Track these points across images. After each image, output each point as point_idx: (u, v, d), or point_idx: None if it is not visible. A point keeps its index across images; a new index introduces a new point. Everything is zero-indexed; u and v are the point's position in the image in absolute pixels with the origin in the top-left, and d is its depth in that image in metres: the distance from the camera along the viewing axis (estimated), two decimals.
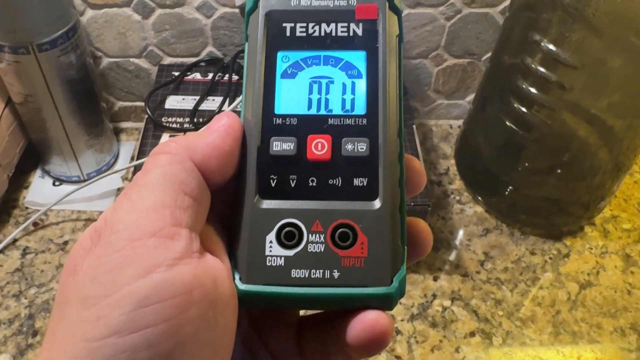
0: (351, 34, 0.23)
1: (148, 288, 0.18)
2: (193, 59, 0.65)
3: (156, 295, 0.18)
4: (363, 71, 0.23)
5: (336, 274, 0.21)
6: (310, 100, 0.23)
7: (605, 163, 0.57)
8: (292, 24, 0.23)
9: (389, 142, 0.22)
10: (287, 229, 0.22)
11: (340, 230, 0.22)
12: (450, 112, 0.75)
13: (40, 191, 0.63)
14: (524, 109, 0.55)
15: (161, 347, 0.17)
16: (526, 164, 0.60)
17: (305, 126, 0.23)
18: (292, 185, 0.22)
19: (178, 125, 0.57)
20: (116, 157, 0.67)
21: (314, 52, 0.23)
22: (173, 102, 0.60)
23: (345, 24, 0.23)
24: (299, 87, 0.23)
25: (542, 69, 0.52)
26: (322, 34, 0.23)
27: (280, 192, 0.22)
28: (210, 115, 0.58)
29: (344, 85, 0.23)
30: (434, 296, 0.57)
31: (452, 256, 0.60)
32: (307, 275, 0.21)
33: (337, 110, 0.23)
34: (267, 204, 0.22)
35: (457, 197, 0.66)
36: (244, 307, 0.22)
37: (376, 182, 0.22)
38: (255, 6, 0.24)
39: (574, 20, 0.47)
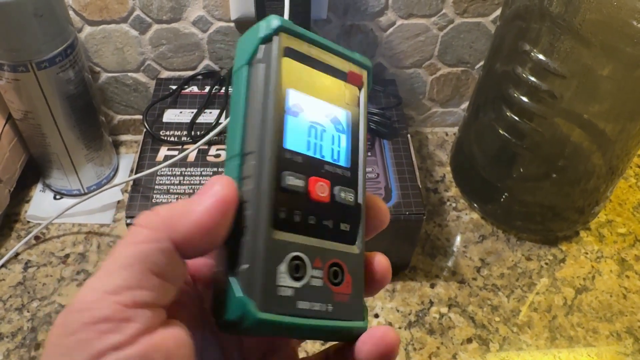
0: (341, 92, 0.25)
1: None
2: (190, 73, 0.66)
3: None
4: (347, 129, 0.25)
5: (330, 308, 0.23)
6: (308, 142, 0.24)
7: (599, 167, 0.58)
8: (303, 67, 0.24)
9: (363, 197, 0.25)
10: (295, 261, 0.22)
11: (333, 268, 0.23)
12: (445, 120, 0.75)
13: (41, 205, 0.64)
14: (516, 117, 0.56)
15: None
16: (521, 171, 0.61)
17: (309, 166, 0.24)
18: (297, 220, 0.23)
19: (176, 139, 0.58)
20: (116, 170, 0.68)
21: (315, 98, 0.24)
22: (171, 115, 0.61)
23: (339, 83, 0.25)
24: (301, 127, 0.24)
25: (532, 78, 0.52)
26: (322, 84, 0.25)
27: (288, 225, 0.23)
28: (207, 128, 0.59)
29: (333, 137, 0.25)
30: (431, 303, 0.57)
31: (449, 263, 0.61)
32: (309, 307, 0.22)
33: (327, 157, 0.24)
34: (278, 235, 0.22)
35: (453, 204, 0.67)
36: (255, 335, 0.23)
37: (356, 230, 0.25)
38: (270, 37, 0.23)
39: (562, 31, 0.48)
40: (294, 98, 0.24)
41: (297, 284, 0.22)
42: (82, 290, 0.20)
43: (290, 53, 0.24)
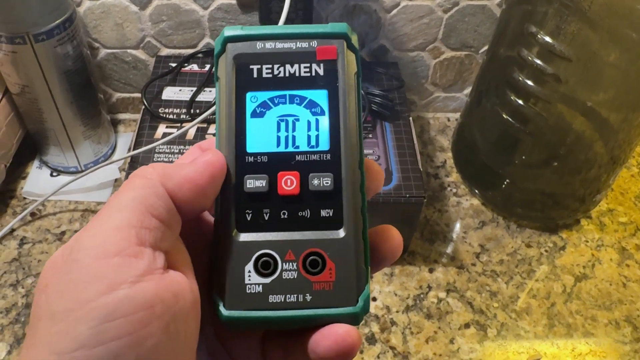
0: (313, 73, 0.25)
1: (112, 304, 0.19)
2: (190, 50, 0.65)
3: (119, 311, 0.19)
4: (325, 109, 0.25)
5: (308, 298, 0.23)
6: (278, 138, 0.24)
7: (601, 156, 0.57)
8: (259, 66, 0.25)
9: (350, 175, 0.24)
10: (263, 259, 0.24)
11: (310, 258, 0.24)
12: (448, 105, 0.75)
13: (37, 182, 0.63)
14: (520, 102, 0.55)
15: (125, 359, 0.19)
16: (522, 157, 0.60)
17: (275, 163, 0.24)
18: (266, 218, 0.24)
19: (175, 117, 0.57)
20: (113, 148, 0.67)
21: (280, 91, 0.25)
22: (170, 93, 0.60)
23: (308, 65, 0.25)
24: (268, 126, 0.24)
25: (538, 61, 0.52)
26: (287, 74, 0.25)
27: (256, 225, 0.24)
28: (206, 106, 0.58)
29: (309, 123, 0.25)
30: (429, 288, 0.57)
31: (448, 248, 0.60)
32: (282, 300, 0.23)
33: (303, 146, 0.24)
34: (244, 237, 0.24)
35: (454, 190, 0.66)
36: (233, 329, 0.24)
37: (340, 213, 0.24)
38: (223, 49, 0.25)
39: (569, 13, 0.47)
40: (257, 100, 0.24)
41: (266, 280, 0.23)
42: (86, 229, 0.21)
43: (244, 58, 0.25)
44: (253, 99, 0.24)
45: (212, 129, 0.56)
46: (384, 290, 0.56)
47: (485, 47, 0.68)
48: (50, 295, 0.19)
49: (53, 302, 0.19)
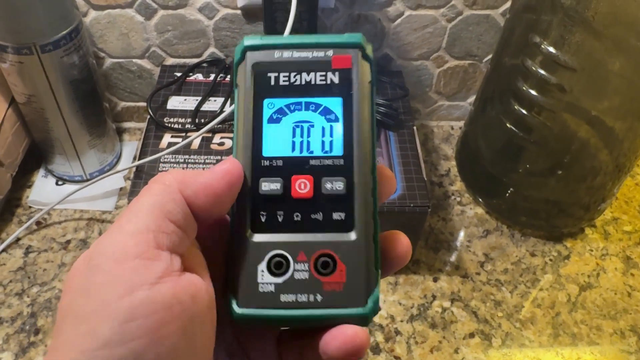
0: (328, 82, 0.26)
1: (132, 305, 0.20)
2: (195, 60, 0.66)
3: (139, 312, 0.20)
4: (340, 116, 0.25)
5: (319, 298, 0.24)
6: (293, 143, 0.25)
7: (606, 164, 0.57)
8: (276, 74, 0.26)
9: (363, 180, 0.25)
10: (276, 259, 0.24)
11: (322, 259, 0.24)
12: (452, 114, 0.75)
13: (43, 190, 0.63)
14: (524, 111, 0.56)
15: (145, 357, 0.20)
16: (527, 166, 0.60)
17: (290, 167, 0.25)
18: (280, 220, 0.25)
19: (180, 126, 0.57)
20: (119, 157, 0.67)
21: (296, 98, 0.26)
22: (175, 102, 0.60)
23: (323, 73, 0.26)
24: (284, 131, 0.25)
25: (542, 71, 0.52)
26: (303, 82, 0.26)
27: (269, 226, 0.25)
28: (211, 116, 0.58)
29: (323, 129, 0.25)
30: (434, 297, 0.57)
31: (452, 257, 0.60)
32: (294, 300, 0.24)
33: (317, 151, 0.25)
34: (258, 237, 0.25)
35: (458, 199, 0.66)
36: (246, 326, 0.25)
37: (352, 216, 0.25)
38: (242, 57, 0.26)
39: (574, 23, 0.47)
40: (273, 106, 0.25)
41: (278, 280, 0.24)
42: (107, 234, 0.22)
43: (263, 66, 0.26)
44: (270, 106, 0.25)
45: (217, 138, 0.56)
46: (388, 299, 0.56)
47: (489, 56, 0.68)
48: (74, 298, 0.21)
49: (77, 304, 0.20)
